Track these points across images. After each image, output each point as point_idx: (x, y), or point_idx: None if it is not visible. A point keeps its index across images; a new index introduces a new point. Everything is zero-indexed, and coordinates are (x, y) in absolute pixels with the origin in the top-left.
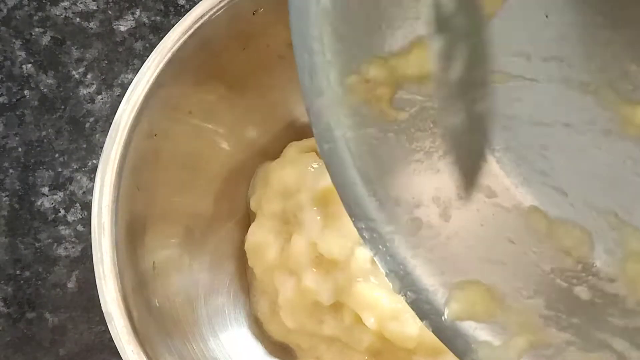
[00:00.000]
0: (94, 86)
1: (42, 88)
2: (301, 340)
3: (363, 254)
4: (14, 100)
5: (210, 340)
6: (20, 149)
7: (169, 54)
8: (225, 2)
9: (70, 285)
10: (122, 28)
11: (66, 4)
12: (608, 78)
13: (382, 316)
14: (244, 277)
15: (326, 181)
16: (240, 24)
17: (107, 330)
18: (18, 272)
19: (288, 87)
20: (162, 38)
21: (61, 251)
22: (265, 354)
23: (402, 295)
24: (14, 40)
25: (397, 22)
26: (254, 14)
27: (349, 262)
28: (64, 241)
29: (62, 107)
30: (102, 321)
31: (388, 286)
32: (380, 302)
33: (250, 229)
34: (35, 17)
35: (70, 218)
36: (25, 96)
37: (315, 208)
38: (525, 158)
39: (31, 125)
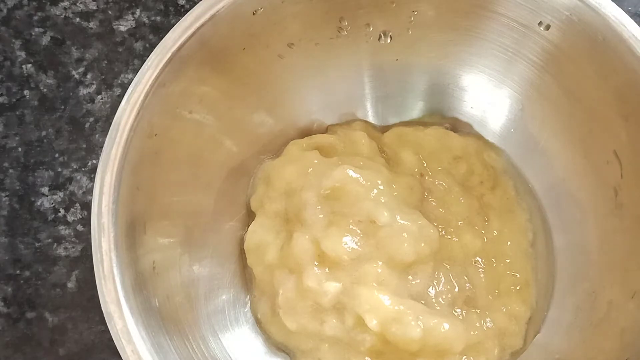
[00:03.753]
0: (94, 86)
1: (42, 88)
2: (302, 341)
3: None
4: (14, 100)
5: (210, 340)
6: (20, 149)
7: (169, 54)
8: (225, 2)
9: (70, 285)
10: (122, 28)
11: (66, 4)
12: None
13: (385, 318)
14: (244, 277)
15: (331, 179)
16: (240, 24)
17: (107, 330)
18: (18, 272)
19: (288, 87)
20: (162, 38)
21: (61, 251)
22: (266, 354)
23: None
24: (14, 40)
25: None
26: (254, 14)
27: (352, 261)
28: (63, 241)
29: (62, 107)
30: (102, 321)
31: (391, 288)
32: (382, 304)
33: (249, 228)
34: (35, 17)
35: (70, 218)
36: (25, 96)
37: (319, 206)
38: None
39: (31, 125)
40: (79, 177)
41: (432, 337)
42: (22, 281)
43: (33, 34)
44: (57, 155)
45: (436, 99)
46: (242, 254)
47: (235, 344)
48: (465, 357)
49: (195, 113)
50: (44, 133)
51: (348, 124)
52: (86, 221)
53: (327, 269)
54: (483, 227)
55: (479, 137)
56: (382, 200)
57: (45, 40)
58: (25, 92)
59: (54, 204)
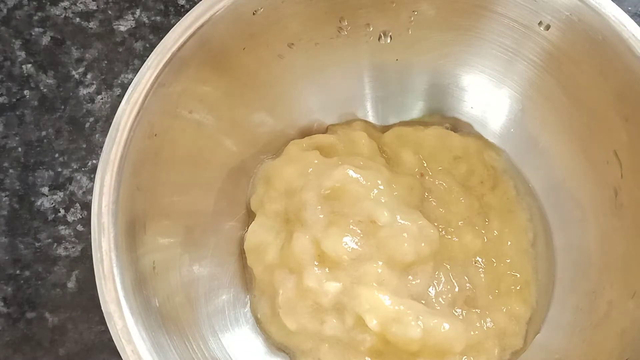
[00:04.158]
0: (94, 86)
1: (42, 88)
2: (302, 341)
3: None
4: (14, 100)
5: (210, 340)
6: (20, 149)
7: (169, 54)
8: (225, 2)
9: (70, 285)
10: (122, 28)
11: (66, 4)
12: None
13: (385, 318)
14: (244, 277)
15: (331, 179)
16: (240, 24)
17: (107, 330)
18: (18, 272)
19: (288, 87)
20: (162, 38)
21: (61, 251)
22: (266, 354)
23: None
24: (14, 40)
25: None
26: (254, 14)
27: (352, 261)
28: (63, 241)
29: (62, 107)
30: (102, 321)
31: (391, 288)
32: (383, 304)
33: (249, 228)
34: (35, 17)
35: (70, 218)
36: (25, 96)
37: (319, 206)
38: None
39: (31, 125)
40: (79, 177)
41: (432, 337)
42: (22, 281)
43: (33, 34)
44: (57, 155)
45: (436, 99)
46: (242, 254)
47: (235, 344)
48: (465, 357)
49: (195, 113)
50: (44, 133)
51: (348, 124)
52: (86, 221)
53: (327, 269)
54: (483, 227)
55: (479, 137)
56: (382, 200)
57: (45, 40)
58: (25, 92)
59: (54, 204)
